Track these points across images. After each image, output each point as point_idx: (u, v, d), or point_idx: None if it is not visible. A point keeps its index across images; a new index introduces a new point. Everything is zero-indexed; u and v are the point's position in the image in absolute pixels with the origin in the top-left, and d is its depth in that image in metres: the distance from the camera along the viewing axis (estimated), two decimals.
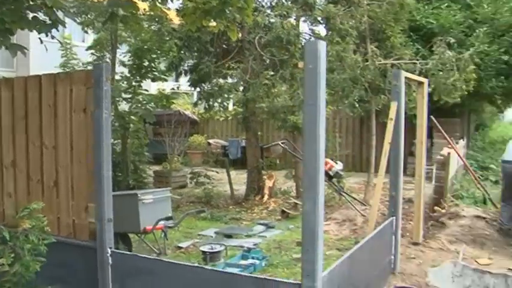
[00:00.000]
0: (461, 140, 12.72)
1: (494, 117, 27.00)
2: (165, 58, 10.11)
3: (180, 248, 6.55)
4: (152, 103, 9.72)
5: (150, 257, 4.08)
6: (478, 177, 10.18)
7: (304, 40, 9.23)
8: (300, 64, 5.34)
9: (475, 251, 6.35)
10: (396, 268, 5.26)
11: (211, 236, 7.29)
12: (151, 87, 11.08)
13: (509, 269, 5.63)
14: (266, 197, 9.67)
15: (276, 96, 8.59)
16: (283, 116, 8.79)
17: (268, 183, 9.83)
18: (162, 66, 10.37)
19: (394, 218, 5.23)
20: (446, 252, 6.02)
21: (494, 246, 6.73)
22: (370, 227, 5.25)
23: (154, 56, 9.51)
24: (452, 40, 8.59)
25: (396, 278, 5.06)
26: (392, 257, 5.20)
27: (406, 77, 5.67)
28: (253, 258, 5.69)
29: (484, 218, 7.86)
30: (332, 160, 8.75)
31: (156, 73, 9.73)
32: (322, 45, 2.92)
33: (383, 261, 4.99)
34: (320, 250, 2.94)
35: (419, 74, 7.38)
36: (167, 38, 9.66)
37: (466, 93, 8.42)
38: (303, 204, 2.98)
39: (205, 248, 5.90)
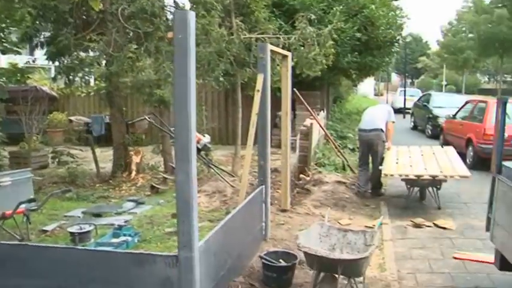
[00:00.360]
0: (322, 111, 13.55)
1: (350, 91, 29.23)
2: (16, 28, 9.22)
3: (45, 231, 6.14)
4: (4, 78, 8.85)
5: (12, 243, 3.77)
6: (338, 145, 10.99)
7: (169, 13, 9.03)
8: (170, 34, 5.21)
9: (337, 213, 6.89)
10: (267, 234, 5.50)
11: (79, 217, 6.95)
12: (1, 60, 10.07)
13: (366, 226, 6.22)
14: (134, 173, 9.45)
15: (140, 70, 8.32)
16: (148, 91, 8.55)
17: (136, 159, 9.59)
18: (14, 37, 9.45)
19: (264, 186, 5.44)
20: (312, 216, 6.44)
21: (353, 207, 7.38)
22: (241, 196, 5.39)
23: (3, 25, 8.61)
24: (313, 17, 9.04)
25: (268, 244, 5.30)
26: (263, 224, 5.42)
27: (271, 50, 5.85)
28: (125, 235, 5.54)
29: (344, 183, 8.56)
30: (199, 133, 8.79)
31: (6, 45, 8.84)
32: (192, 15, 2.88)
33: (255, 229, 5.18)
34: (195, 221, 2.95)
35: (283, 48, 7.65)
36: (18, 6, 8.79)
37: (326, 67, 8.94)
38: (176, 176, 2.95)
39: (73, 229, 5.60)
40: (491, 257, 4.66)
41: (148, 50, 8.55)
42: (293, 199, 7.28)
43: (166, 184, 8.55)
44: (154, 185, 8.64)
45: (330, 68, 9.61)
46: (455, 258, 5.40)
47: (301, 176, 8.44)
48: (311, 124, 9.22)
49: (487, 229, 4.50)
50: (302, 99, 10.23)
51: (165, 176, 8.82)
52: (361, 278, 4.12)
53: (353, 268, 3.74)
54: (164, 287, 3.04)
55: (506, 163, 4.27)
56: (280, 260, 4.45)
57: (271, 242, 5.40)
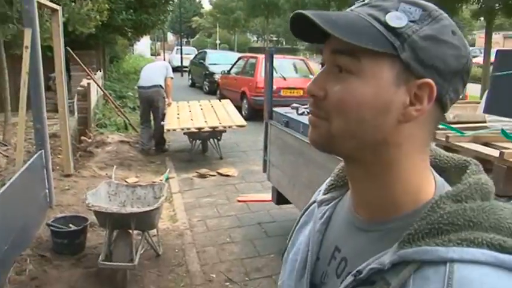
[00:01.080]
0: (99, 71, 12.97)
1: (126, 50, 28.48)
2: None
3: None
4: None
5: None
6: (118, 105, 10.71)
7: None
8: None
9: (124, 172, 6.80)
10: (53, 201, 5.15)
11: None
12: None
13: (153, 182, 6.29)
14: None
15: None
16: None
17: None
18: None
19: (43, 151, 5.03)
20: (99, 178, 6.23)
21: (139, 166, 7.36)
22: (17, 164, 4.90)
23: None
24: None
25: (54, 211, 4.97)
26: (47, 191, 5.05)
27: (38, 3, 5.30)
28: None
29: (127, 142, 8.44)
30: None
31: None
32: None
33: (38, 197, 4.80)
34: None
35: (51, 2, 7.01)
36: None
37: (100, 24, 8.52)
38: None
39: None
40: (269, 196, 5.19)
41: None
42: (76, 163, 6.91)
43: None
44: None
45: (104, 25, 9.22)
46: (239, 201, 5.88)
47: (83, 138, 8.03)
48: (88, 84, 8.76)
49: (264, 170, 4.98)
50: (77, 58, 9.63)
51: None
52: (154, 231, 4.21)
53: (146, 221, 3.77)
54: None
55: (276, 109, 4.73)
56: (70, 225, 4.24)
57: (57, 208, 5.08)
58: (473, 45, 48.24)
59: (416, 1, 0.68)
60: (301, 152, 3.95)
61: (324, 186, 0.92)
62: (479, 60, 16.60)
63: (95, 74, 11.11)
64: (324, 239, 0.84)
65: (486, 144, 2.24)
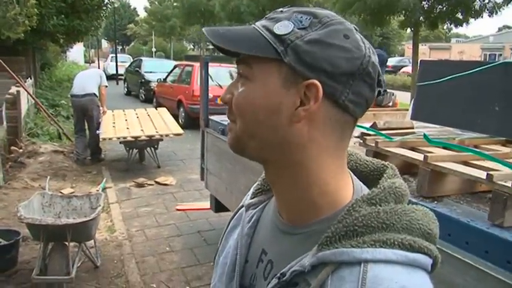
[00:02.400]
0: (29, 78, 12.46)
1: (59, 57, 27.50)
2: None
3: None
4: None
5: None
6: (51, 114, 10.35)
7: None
8: None
9: (58, 183, 6.59)
10: None
11: None
12: None
13: (90, 192, 6.14)
14: None
15: None
16: None
17: None
18: None
19: None
20: (31, 189, 6.01)
21: (74, 176, 7.16)
22: None
23: None
24: None
25: None
26: None
27: None
28: None
29: (62, 151, 8.18)
30: None
31: None
32: None
33: None
34: None
35: None
36: None
37: (30, 29, 8.22)
38: None
39: None
40: (208, 204, 5.21)
41: None
42: (6, 174, 6.62)
43: None
44: None
45: (34, 30, 8.90)
46: (178, 210, 5.86)
47: (13, 148, 7.69)
48: (18, 92, 8.40)
49: (202, 178, 4.99)
50: (5, 65, 9.22)
51: None
52: (92, 242, 4.12)
53: (82, 232, 3.69)
54: None
55: (212, 117, 4.77)
56: (0, 240, 4.07)
57: None
58: (402, 55, 50.60)
59: (309, 10, 0.73)
60: (238, 159, 4.00)
61: (251, 191, 0.95)
62: (409, 69, 17.38)
63: (25, 82, 10.67)
64: (252, 242, 0.87)
65: (412, 148, 2.39)
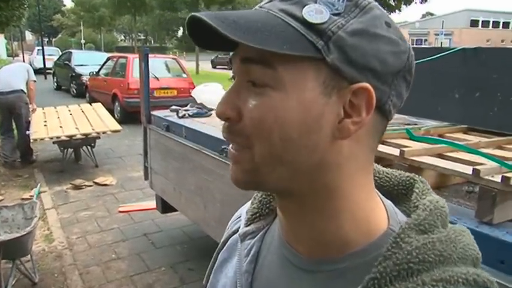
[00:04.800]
0: None
1: None
2: None
3: None
4: None
5: None
6: None
7: None
8: None
9: None
10: None
11: None
12: None
13: (22, 198, 5.69)
14: None
15: None
16: None
17: None
18: None
19: None
20: None
21: (3, 181, 6.65)
22: None
23: None
24: None
25: None
26: None
27: None
28: None
29: None
30: None
31: None
32: None
33: None
34: None
35: None
36: None
37: None
38: None
39: None
40: (152, 204, 4.93)
41: None
42: None
43: None
44: None
45: None
46: (120, 212, 5.53)
47: None
48: None
49: (146, 178, 4.71)
50: None
51: None
52: (28, 256, 3.74)
53: (16, 248, 3.33)
54: None
55: (154, 112, 4.50)
56: None
57: None
58: None
59: None
60: (186, 157, 3.78)
61: (244, 215, 0.77)
62: None
63: None
64: (254, 279, 0.69)
65: (383, 142, 2.25)
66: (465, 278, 0.53)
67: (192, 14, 0.53)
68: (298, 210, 0.60)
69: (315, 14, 0.52)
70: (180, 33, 66.63)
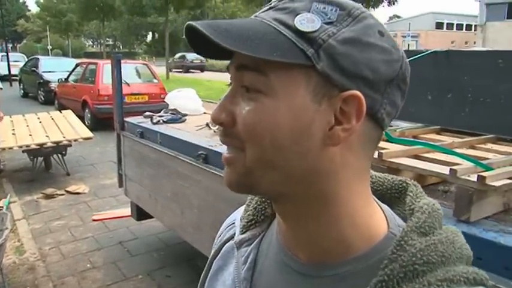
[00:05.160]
0: None
1: None
2: None
3: None
4: None
5: None
6: None
7: None
8: None
9: None
10: None
11: None
12: None
13: None
14: None
15: None
16: None
17: None
18: None
19: None
20: None
21: None
22: None
23: None
24: None
25: None
26: None
27: None
28: None
29: None
30: None
31: None
32: None
33: None
34: None
35: None
36: None
37: None
38: None
39: None
40: (127, 211, 4.87)
41: None
42: None
43: None
44: None
45: None
46: (94, 220, 5.43)
47: None
48: None
49: (120, 185, 4.65)
50: None
51: None
52: None
53: None
54: None
55: (128, 119, 4.45)
56: None
57: None
58: None
59: None
60: (161, 163, 3.75)
61: (238, 222, 0.78)
62: None
63: None
64: (253, 286, 0.70)
65: None
66: (466, 276, 0.55)
67: (188, 22, 0.54)
68: (296, 215, 0.61)
69: (306, 22, 0.54)
70: (149, 38, 66.12)
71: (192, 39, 0.57)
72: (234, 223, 0.81)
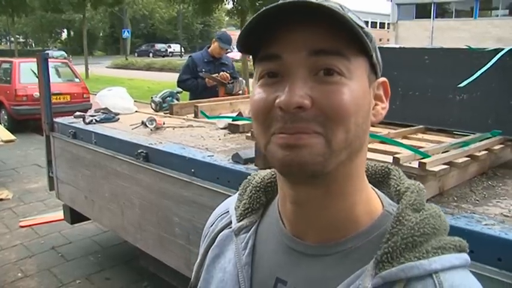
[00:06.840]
0: None
1: None
2: None
3: None
4: None
5: None
6: None
7: None
8: None
9: None
10: None
11: None
12: None
13: None
14: None
15: None
16: None
17: None
18: None
19: None
20: None
21: None
22: None
23: None
24: None
25: None
26: None
27: None
28: None
29: None
30: None
31: None
32: None
33: None
34: None
35: None
36: None
37: None
38: None
39: None
40: (58, 215, 4.69)
41: None
42: None
43: None
44: None
45: None
46: (22, 226, 5.17)
47: None
48: None
49: (51, 188, 4.48)
50: None
51: None
52: None
53: None
54: None
55: (58, 119, 4.29)
56: None
57: None
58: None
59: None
60: (98, 164, 3.66)
61: (233, 211, 0.82)
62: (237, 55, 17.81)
63: None
64: (254, 271, 0.74)
65: None
66: (454, 244, 0.64)
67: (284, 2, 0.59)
68: (324, 195, 0.65)
69: (358, 18, 0.63)
70: (64, 35, 63.22)
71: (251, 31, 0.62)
72: (226, 213, 0.85)
